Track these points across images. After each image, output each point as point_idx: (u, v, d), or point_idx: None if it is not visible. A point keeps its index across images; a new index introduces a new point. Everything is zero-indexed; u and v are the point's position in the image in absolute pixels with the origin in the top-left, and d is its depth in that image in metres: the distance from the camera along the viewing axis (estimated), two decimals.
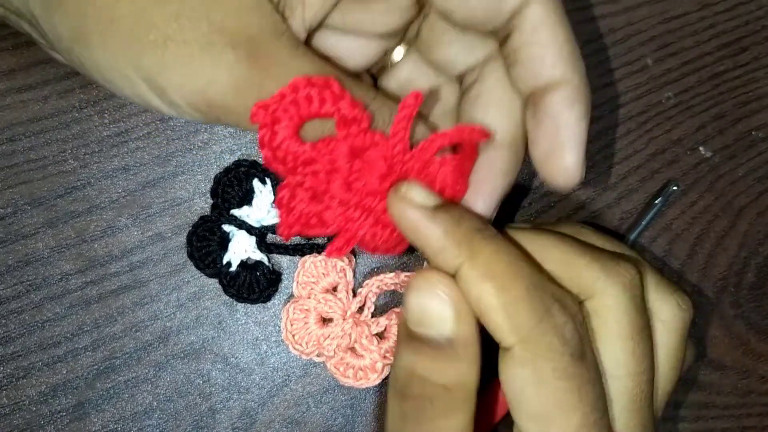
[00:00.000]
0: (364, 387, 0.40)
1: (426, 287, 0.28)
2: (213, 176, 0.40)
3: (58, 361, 0.39)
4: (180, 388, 0.40)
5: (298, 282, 0.40)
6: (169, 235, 0.40)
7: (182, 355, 0.40)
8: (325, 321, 0.40)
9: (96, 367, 0.39)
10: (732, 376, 0.45)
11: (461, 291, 0.28)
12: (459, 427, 0.28)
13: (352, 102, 0.28)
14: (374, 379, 0.40)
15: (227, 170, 0.39)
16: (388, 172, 0.30)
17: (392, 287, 0.40)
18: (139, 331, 0.39)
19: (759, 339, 0.45)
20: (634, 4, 0.44)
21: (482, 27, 0.30)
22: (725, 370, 0.45)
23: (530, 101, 0.31)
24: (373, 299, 0.40)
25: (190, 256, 0.39)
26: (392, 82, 0.36)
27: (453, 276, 0.28)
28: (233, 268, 0.39)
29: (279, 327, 0.40)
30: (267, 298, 0.40)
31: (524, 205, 0.43)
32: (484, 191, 0.32)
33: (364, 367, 0.40)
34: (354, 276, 0.41)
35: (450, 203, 0.30)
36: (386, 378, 0.40)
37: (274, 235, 0.40)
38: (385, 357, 0.40)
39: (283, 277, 0.40)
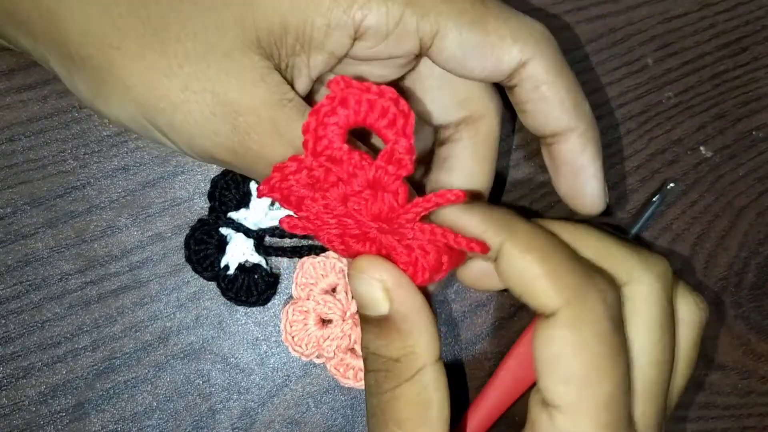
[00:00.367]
0: (364, 387, 0.40)
1: (356, 273, 0.31)
2: (211, 178, 0.40)
3: (58, 361, 0.39)
4: (180, 388, 0.40)
5: (296, 283, 0.40)
6: (169, 235, 0.40)
7: (182, 355, 0.40)
8: (325, 322, 0.40)
9: (96, 367, 0.39)
10: (732, 377, 0.45)
11: (505, 267, 0.30)
12: (419, 394, 0.30)
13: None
14: None
15: (224, 173, 0.39)
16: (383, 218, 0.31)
17: None
18: (138, 331, 0.39)
19: (759, 339, 0.45)
20: (634, 3, 0.44)
21: (484, 81, 0.33)
22: (726, 370, 0.44)
23: (543, 144, 0.34)
24: None
25: (188, 259, 0.39)
26: None
27: (495, 259, 0.30)
28: (231, 271, 0.39)
29: (279, 327, 0.40)
30: (265, 301, 0.40)
31: (524, 205, 0.43)
32: None
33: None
34: None
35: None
36: None
37: (272, 238, 0.40)
38: None
39: (282, 278, 0.40)
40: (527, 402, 0.32)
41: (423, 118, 0.35)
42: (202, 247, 0.39)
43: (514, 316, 0.42)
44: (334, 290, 0.40)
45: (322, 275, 0.40)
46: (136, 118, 0.30)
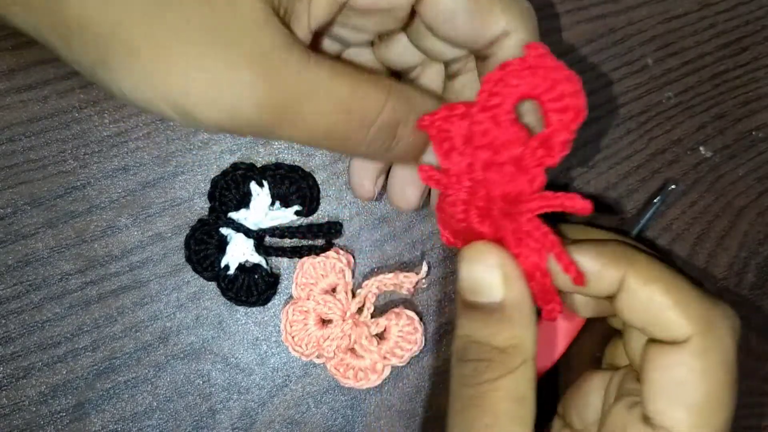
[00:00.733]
0: (364, 388, 0.40)
1: (475, 257, 0.30)
2: (212, 178, 0.40)
3: (58, 361, 0.39)
4: (180, 388, 0.40)
5: (297, 283, 0.40)
6: (169, 235, 0.40)
7: (182, 355, 0.40)
8: (325, 322, 0.40)
9: (96, 367, 0.39)
10: None
11: (627, 300, 0.30)
12: (518, 388, 0.29)
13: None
14: (374, 380, 0.40)
15: (224, 173, 0.39)
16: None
17: (391, 288, 0.40)
18: (138, 331, 0.39)
19: (759, 339, 0.45)
20: (634, 3, 0.44)
21: (460, 45, 0.32)
22: None
23: None
24: (373, 300, 0.40)
25: (188, 259, 0.39)
26: (389, 53, 0.36)
27: (613, 295, 0.30)
28: (231, 271, 0.39)
29: (279, 327, 0.40)
30: (265, 301, 0.40)
31: None
32: None
33: (365, 368, 0.40)
34: (353, 277, 0.41)
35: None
36: (386, 379, 0.40)
37: (272, 238, 0.40)
38: (385, 357, 0.40)
39: (282, 278, 0.40)
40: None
41: (430, 55, 0.35)
42: (203, 247, 0.39)
43: None
44: (334, 290, 0.40)
45: (322, 275, 0.40)
46: (144, 89, 0.28)
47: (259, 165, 0.40)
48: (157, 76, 0.27)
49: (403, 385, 0.41)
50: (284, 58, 0.27)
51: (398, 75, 0.37)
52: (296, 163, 0.41)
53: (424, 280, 0.41)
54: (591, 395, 0.36)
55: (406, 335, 0.40)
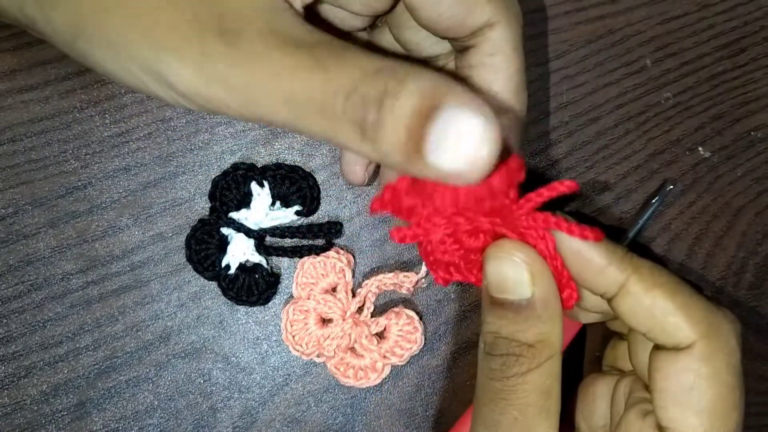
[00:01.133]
0: (364, 386, 0.40)
1: (503, 255, 0.30)
2: (212, 178, 0.40)
3: (60, 360, 0.39)
4: (181, 387, 0.40)
5: (297, 283, 0.40)
6: (170, 235, 0.40)
7: (183, 354, 0.40)
8: (325, 321, 0.40)
9: (97, 366, 0.39)
10: None
11: (631, 305, 0.30)
12: (545, 382, 0.30)
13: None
14: (374, 379, 0.40)
15: (225, 173, 0.39)
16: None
17: (391, 287, 0.40)
18: (140, 330, 0.40)
19: (758, 339, 0.45)
20: (633, 5, 0.44)
21: (442, 34, 0.31)
22: None
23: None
24: (373, 299, 0.40)
25: (189, 259, 0.39)
26: (382, 41, 0.36)
27: (615, 294, 0.30)
28: (232, 271, 0.39)
29: (279, 327, 0.40)
30: (266, 301, 0.40)
31: None
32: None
33: (365, 367, 0.40)
34: (353, 276, 0.41)
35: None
36: (386, 378, 0.40)
37: (272, 238, 0.40)
38: (384, 357, 0.40)
39: (282, 278, 0.41)
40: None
41: (410, 50, 0.34)
42: (203, 247, 0.39)
43: None
44: (334, 290, 0.41)
45: (323, 275, 0.40)
46: (119, 53, 0.26)
47: (259, 165, 0.40)
48: (132, 41, 0.26)
49: (403, 384, 0.41)
50: (264, 18, 0.26)
51: None
52: (297, 164, 0.41)
53: (423, 280, 0.41)
54: (597, 401, 0.36)
55: (406, 334, 0.40)
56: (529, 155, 0.43)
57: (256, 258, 0.39)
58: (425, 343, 0.41)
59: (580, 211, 0.44)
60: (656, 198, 0.43)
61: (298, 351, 0.40)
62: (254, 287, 0.39)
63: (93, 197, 0.39)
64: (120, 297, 0.39)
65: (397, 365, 0.41)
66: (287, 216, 0.40)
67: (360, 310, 0.40)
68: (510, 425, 0.29)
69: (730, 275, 0.45)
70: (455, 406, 0.42)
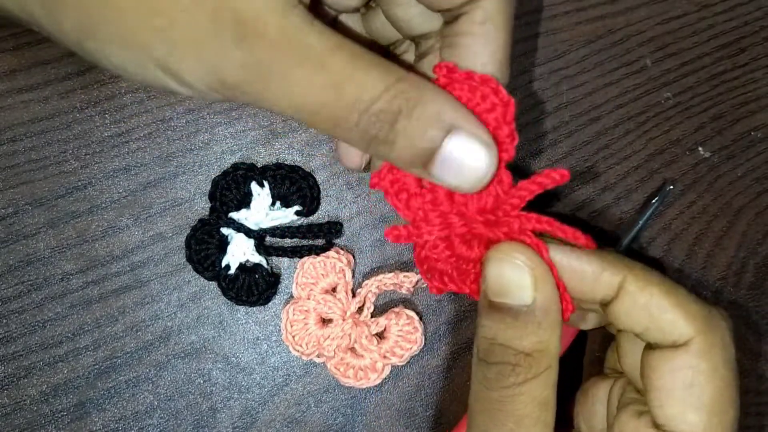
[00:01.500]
0: (364, 387, 0.40)
1: (505, 257, 0.29)
2: (212, 178, 0.40)
3: (59, 360, 0.39)
4: (181, 387, 0.40)
5: (297, 283, 0.40)
6: (170, 235, 0.40)
7: (183, 354, 0.40)
8: (325, 321, 0.40)
9: (97, 366, 0.39)
10: None
11: (626, 305, 0.30)
12: (542, 393, 0.29)
13: None
14: (374, 379, 0.40)
15: (225, 173, 0.39)
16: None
17: (391, 287, 0.40)
18: (140, 330, 0.40)
19: (757, 339, 0.45)
20: (633, 5, 0.44)
21: (436, 4, 0.30)
22: None
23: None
24: (373, 299, 0.40)
25: (189, 259, 0.39)
26: (376, 22, 0.35)
27: (613, 297, 0.30)
28: (232, 271, 0.39)
29: (279, 327, 0.40)
30: (266, 301, 0.40)
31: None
32: None
33: (365, 367, 0.40)
34: (353, 276, 0.41)
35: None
36: (386, 378, 0.40)
37: (272, 238, 0.40)
38: (384, 357, 0.40)
39: (282, 278, 0.41)
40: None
41: (402, 27, 0.33)
42: (203, 247, 0.39)
43: None
44: (334, 290, 0.41)
45: (323, 275, 0.40)
46: (131, 51, 0.26)
47: (259, 165, 0.40)
48: (148, 39, 0.26)
49: (403, 384, 0.41)
50: (277, 22, 0.26)
51: (388, 51, 0.36)
52: (297, 164, 0.41)
53: (423, 280, 0.41)
54: (597, 404, 0.36)
55: (406, 334, 0.40)
56: (530, 155, 0.43)
57: (256, 258, 0.39)
58: (425, 344, 0.41)
59: (577, 216, 0.44)
60: (656, 198, 0.43)
61: (298, 351, 0.40)
62: (254, 287, 0.39)
63: (93, 197, 0.39)
64: (120, 297, 0.39)
65: (397, 365, 0.41)
66: (287, 216, 0.40)
67: (360, 310, 0.40)
68: None
69: (730, 275, 0.45)
70: (455, 406, 0.42)
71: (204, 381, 0.40)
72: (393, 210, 0.41)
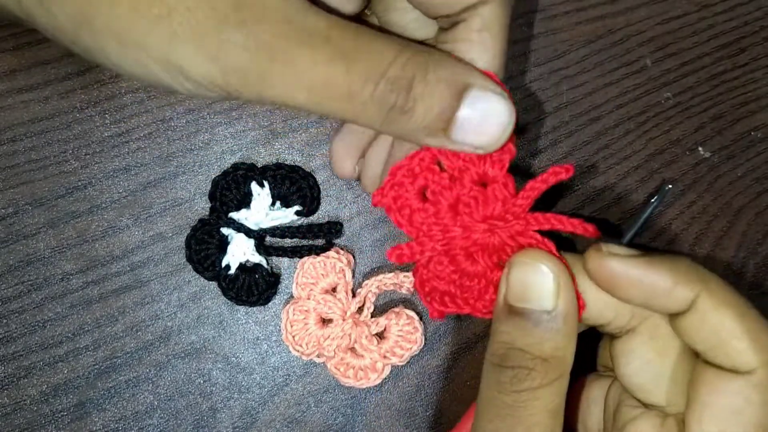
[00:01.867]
0: (364, 387, 0.40)
1: (530, 261, 0.29)
2: (212, 178, 0.40)
3: (60, 360, 0.39)
4: (181, 387, 0.40)
5: (297, 283, 0.40)
6: (170, 235, 0.40)
7: (183, 354, 0.40)
8: (325, 321, 0.40)
9: (97, 366, 0.39)
10: None
11: (695, 322, 0.29)
12: (554, 401, 0.29)
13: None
14: (374, 379, 0.40)
15: (225, 173, 0.39)
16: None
17: (391, 287, 0.40)
18: (140, 330, 0.40)
19: None
20: (633, 5, 0.44)
21: (433, 11, 0.30)
22: None
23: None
24: (373, 299, 0.40)
25: (189, 259, 0.39)
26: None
27: (685, 312, 0.29)
28: (232, 271, 0.39)
29: (279, 327, 0.40)
30: (266, 301, 0.40)
31: None
32: None
33: (365, 367, 0.40)
34: (353, 276, 0.41)
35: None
36: (386, 378, 0.40)
37: (272, 238, 0.40)
38: (384, 357, 0.40)
39: (282, 278, 0.41)
40: None
41: (395, 32, 0.33)
42: (203, 247, 0.39)
43: None
44: (334, 290, 0.41)
45: (323, 275, 0.40)
46: (128, 43, 0.26)
47: (259, 165, 0.40)
48: (143, 31, 0.25)
49: (403, 384, 0.41)
50: (276, 4, 0.25)
51: None
52: (297, 164, 0.41)
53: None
54: (592, 405, 0.35)
55: (406, 335, 0.40)
56: (530, 155, 0.43)
57: (256, 258, 0.39)
58: (425, 344, 0.41)
59: (579, 213, 0.44)
60: (655, 198, 0.43)
61: (298, 351, 0.40)
62: (254, 287, 0.39)
63: (93, 197, 0.39)
64: (120, 297, 0.39)
65: (397, 365, 0.41)
66: (287, 216, 0.40)
67: (360, 310, 0.40)
68: None
69: (730, 275, 0.45)
70: (455, 406, 0.42)
71: (204, 381, 0.40)
72: None
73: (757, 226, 0.45)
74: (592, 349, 0.37)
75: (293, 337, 0.40)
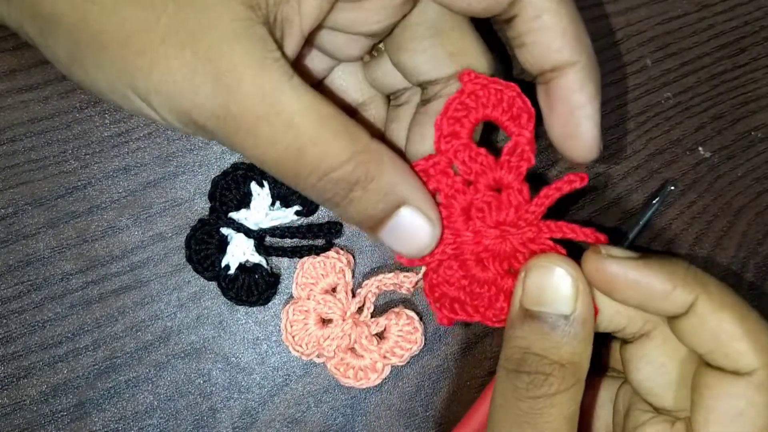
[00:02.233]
0: (364, 387, 0.40)
1: (548, 266, 0.29)
2: (212, 178, 0.40)
3: (59, 360, 0.39)
4: (181, 387, 0.40)
5: (297, 283, 0.40)
6: (170, 235, 0.40)
7: (183, 354, 0.40)
8: (325, 322, 0.40)
9: (97, 366, 0.39)
10: None
11: (694, 325, 0.29)
12: (570, 408, 0.29)
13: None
14: (374, 379, 0.40)
15: (225, 173, 0.39)
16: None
17: (391, 287, 0.40)
18: (139, 330, 0.40)
19: None
20: (633, 4, 0.44)
21: (482, 15, 0.31)
22: None
23: (540, 81, 0.31)
24: (373, 299, 0.40)
25: (189, 259, 0.39)
26: (378, 70, 0.35)
27: (683, 314, 0.29)
28: (232, 271, 0.39)
29: (279, 327, 0.40)
30: (266, 301, 0.40)
31: None
32: None
33: (364, 367, 0.40)
34: (353, 276, 0.41)
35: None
36: (386, 378, 0.40)
37: (272, 238, 0.40)
38: (384, 357, 0.40)
39: (282, 278, 0.41)
40: None
41: (409, 74, 0.34)
42: (203, 247, 0.39)
43: None
44: (334, 290, 0.41)
45: (323, 275, 0.40)
46: (114, 83, 0.27)
47: None
48: (124, 69, 0.27)
49: (403, 384, 0.41)
50: (252, 77, 0.26)
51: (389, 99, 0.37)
52: None
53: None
54: (601, 408, 0.35)
55: (406, 335, 0.40)
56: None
57: (256, 258, 0.39)
58: (425, 344, 0.41)
59: (579, 213, 0.44)
60: (656, 198, 0.43)
61: (297, 351, 0.40)
62: (254, 287, 0.39)
63: (93, 197, 0.39)
64: (120, 297, 0.39)
65: (397, 366, 0.41)
66: (287, 216, 0.40)
67: (360, 310, 0.40)
68: None
69: (730, 275, 0.45)
70: (455, 406, 0.42)
71: (204, 381, 0.40)
72: None
73: (758, 226, 0.45)
74: (595, 350, 0.37)
75: (293, 337, 0.40)
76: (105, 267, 0.39)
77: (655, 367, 0.31)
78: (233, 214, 0.39)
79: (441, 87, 0.33)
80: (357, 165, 0.28)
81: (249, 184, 0.39)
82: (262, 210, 0.39)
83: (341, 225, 0.41)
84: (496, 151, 0.32)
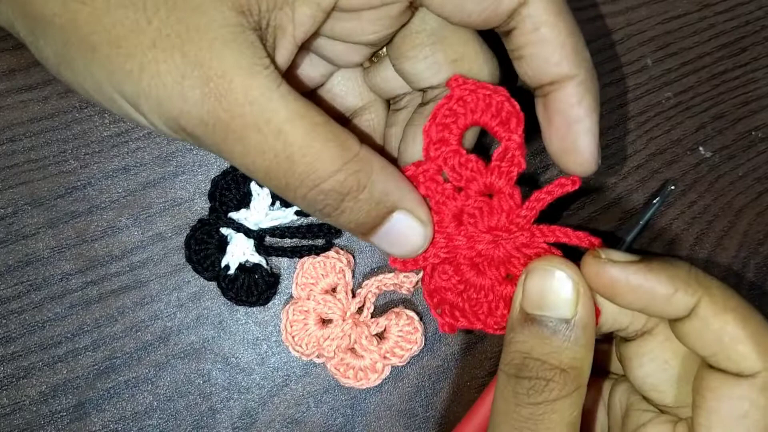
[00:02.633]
0: (364, 387, 0.40)
1: (548, 269, 0.29)
2: (212, 178, 0.40)
3: (59, 361, 0.39)
4: (180, 387, 0.40)
5: (297, 283, 0.40)
6: (170, 235, 0.40)
7: (182, 355, 0.40)
8: (325, 322, 0.40)
9: (96, 367, 0.39)
10: None
11: (697, 328, 0.29)
12: (571, 413, 0.29)
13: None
14: (374, 380, 0.40)
15: (225, 173, 0.39)
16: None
17: (391, 287, 0.40)
18: (139, 331, 0.40)
19: None
20: (634, 4, 0.44)
21: (481, 27, 0.30)
22: None
23: (539, 94, 0.31)
24: (373, 300, 0.40)
25: (189, 259, 0.39)
26: (378, 76, 0.35)
27: (685, 317, 0.29)
28: (232, 271, 0.39)
29: (279, 327, 0.40)
30: (266, 301, 0.40)
31: None
32: None
33: (364, 368, 0.40)
34: (353, 277, 0.41)
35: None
36: (386, 378, 0.40)
37: (272, 238, 0.40)
38: (384, 357, 0.40)
39: (282, 278, 0.40)
40: None
41: (411, 81, 0.33)
42: (203, 247, 0.39)
43: None
44: (334, 290, 0.41)
45: (323, 275, 0.40)
46: (103, 86, 0.27)
47: None
48: (113, 73, 0.26)
49: (403, 384, 0.41)
50: (242, 83, 0.26)
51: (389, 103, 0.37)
52: None
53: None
54: (599, 410, 0.35)
55: (406, 335, 0.40)
56: (530, 155, 0.43)
57: (256, 258, 0.39)
58: (425, 344, 0.41)
59: (579, 213, 0.43)
60: (657, 198, 0.43)
61: (297, 351, 0.40)
62: (254, 287, 0.39)
63: (92, 197, 0.39)
64: (119, 297, 0.39)
65: (397, 366, 0.41)
66: (287, 216, 0.40)
67: (360, 310, 0.40)
68: None
69: (731, 275, 0.45)
70: (455, 407, 0.41)
71: (203, 381, 0.40)
72: None
73: (758, 226, 0.45)
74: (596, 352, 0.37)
75: (293, 337, 0.40)
76: (104, 267, 0.39)
77: (657, 364, 0.31)
78: (233, 214, 0.39)
79: (441, 91, 0.33)
80: (348, 175, 0.28)
81: (249, 184, 0.39)
82: (261, 210, 0.39)
83: None
84: (486, 154, 0.32)
